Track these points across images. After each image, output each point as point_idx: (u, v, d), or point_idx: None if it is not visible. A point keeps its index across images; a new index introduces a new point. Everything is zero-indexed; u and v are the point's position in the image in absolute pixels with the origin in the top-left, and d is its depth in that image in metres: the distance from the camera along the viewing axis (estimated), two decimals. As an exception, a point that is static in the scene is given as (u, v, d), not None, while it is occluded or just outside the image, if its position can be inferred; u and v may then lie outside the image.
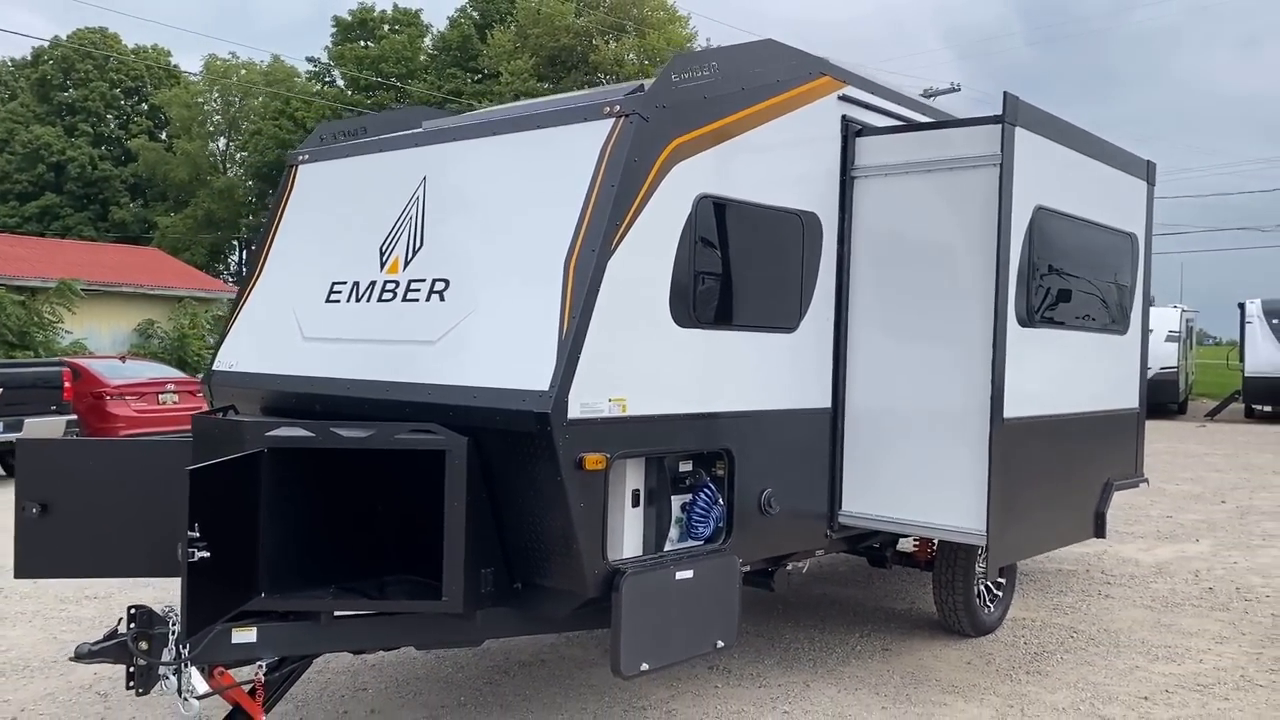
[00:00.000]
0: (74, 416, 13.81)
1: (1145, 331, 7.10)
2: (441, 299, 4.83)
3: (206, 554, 3.81)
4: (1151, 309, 25.66)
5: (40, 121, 55.15)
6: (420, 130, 5.64)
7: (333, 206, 5.76)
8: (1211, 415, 28.18)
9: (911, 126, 5.88)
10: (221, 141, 58.96)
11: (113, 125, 58.30)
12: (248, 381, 5.53)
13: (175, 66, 59.52)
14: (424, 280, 4.95)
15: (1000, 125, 5.24)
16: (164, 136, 58.40)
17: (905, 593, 8.06)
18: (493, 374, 4.45)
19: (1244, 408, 28.20)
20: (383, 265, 5.19)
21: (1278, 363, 26.65)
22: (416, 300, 4.93)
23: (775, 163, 5.31)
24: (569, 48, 46.87)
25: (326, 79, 55.45)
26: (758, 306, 5.25)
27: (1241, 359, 27.56)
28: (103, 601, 7.63)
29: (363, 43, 54.03)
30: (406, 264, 5.07)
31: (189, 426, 15.11)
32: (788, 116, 5.33)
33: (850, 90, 5.73)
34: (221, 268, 57.79)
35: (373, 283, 5.19)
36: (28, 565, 4.72)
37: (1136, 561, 9.39)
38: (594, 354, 4.33)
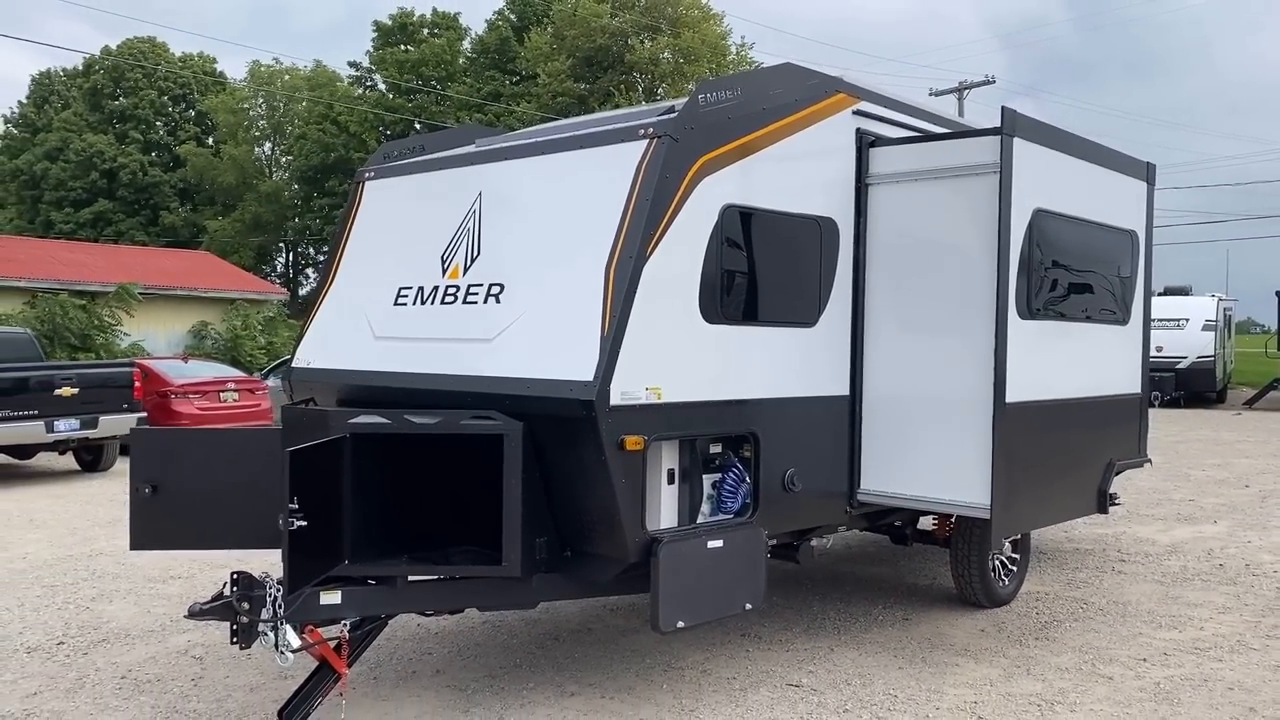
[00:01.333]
0: (144, 414, 14.62)
1: (1147, 321, 7.56)
2: (497, 301, 5.45)
3: (304, 523, 4.46)
4: (1188, 298, 25.78)
5: (93, 130, 56.75)
6: (475, 150, 6.26)
7: (397, 219, 6.40)
8: (1250, 404, 28.25)
9: (920, 137, 6.41)
10: (267, 146, 60.30)
11: (162, 132, 59.79)
12: (325, 377, 6.19)
13: (220, 73, 60.89)
14: (481, 285, 5.57)
15: (999, 136, 5.76)
16: (211, 142, 59.84)
17: (927, 570, 8.59)
18: (543, 367, 5.06)
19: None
20: (444, 272, 5.81)
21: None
22: (475, 303, 5.55)
23: (794, 173, 5.87)
24: (605, 48, 47.46)
25: (368, 83, 56.48)
26: (780, 304, 5.82)
27: (1279, 347, 27.64)
28: (186, 581, 8.35)
29: (403, 47, 55.01)
30: (466, 270, 5.69)
31: (251, 423, 15.89)
32: (806, 131, 5.89)
33: (864, 105, 6.28)
34: (268, 269, 59.07)
35: (435, 287, 5.82)
36: (141, 538, 5.41)
37: (1153, 541, 9.83)
38: (632, 348, 4.92)
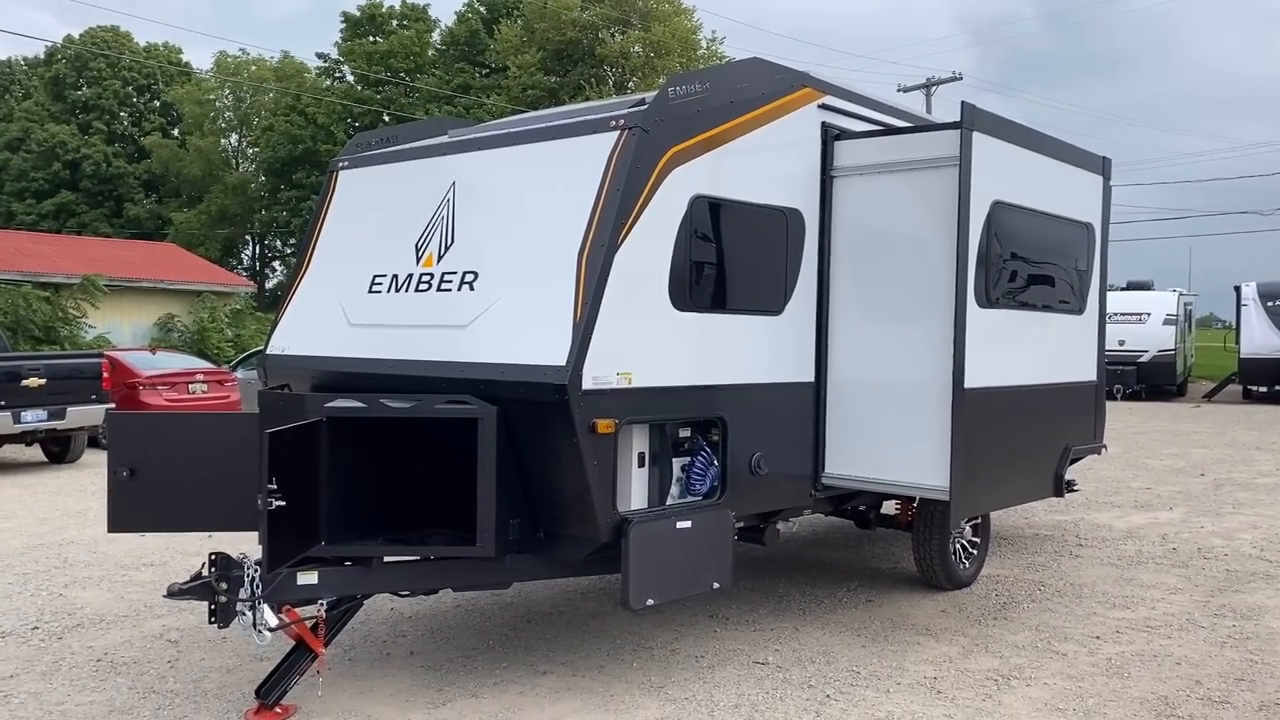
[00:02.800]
0: (112, 405, 14.58)
1: (1103, 311, 7.79)
2: (471, 289, 5.57)
3: (282, 504, 4.56)
4: (1150, 293, 26.17)
5: (55, 120, 56.05)
6: (448, 140, 6.36)
7: (371, 208, 6.50)
8: (1209, 396, 28.82)
9: (883, 131, 6.59)
10: (233, 138, 59.82)
11: (126, 123, 59.16)
12: (300, 363, 6.28)
13: (186, 64, 60.32)
14: (455, 273, 5.69)
15: (959, 130, 5.94)
16: (176, 133, 59.27)
17: (890, 554, 8.79)
18: (517, 352, 5.19)
19: (1241, 389, 28.84)
20: (418, 259, 5.92)
21: (1272, 344, 27.29)
22: (449, 290, 5.67)
23: (761, 165, 6.03)
24: (575, 41, 47.48)
25: (336, 75, 56.15)
26: (747, 292, 5.98)
27: (1238, 341, 28.20)
28: (159, 568, 8.40)
29: (371, 38, 54.73)
30: (440, 258, 5.81)
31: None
32: (772, 124, 6.04)
33: (829, 99, 6.45)
34: (235, 262, 58.64)
35: (410, 275, 5.92)
36: (119, 521, 5.49)
37: (1110, 527, 10.10)
38: (603, 334, 5.06)
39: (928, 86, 35.59)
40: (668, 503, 5.60)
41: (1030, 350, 6.83)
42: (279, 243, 59.81)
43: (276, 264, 61.68)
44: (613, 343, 5.11)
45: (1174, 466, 14.49)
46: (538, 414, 5.09)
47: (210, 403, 16.73)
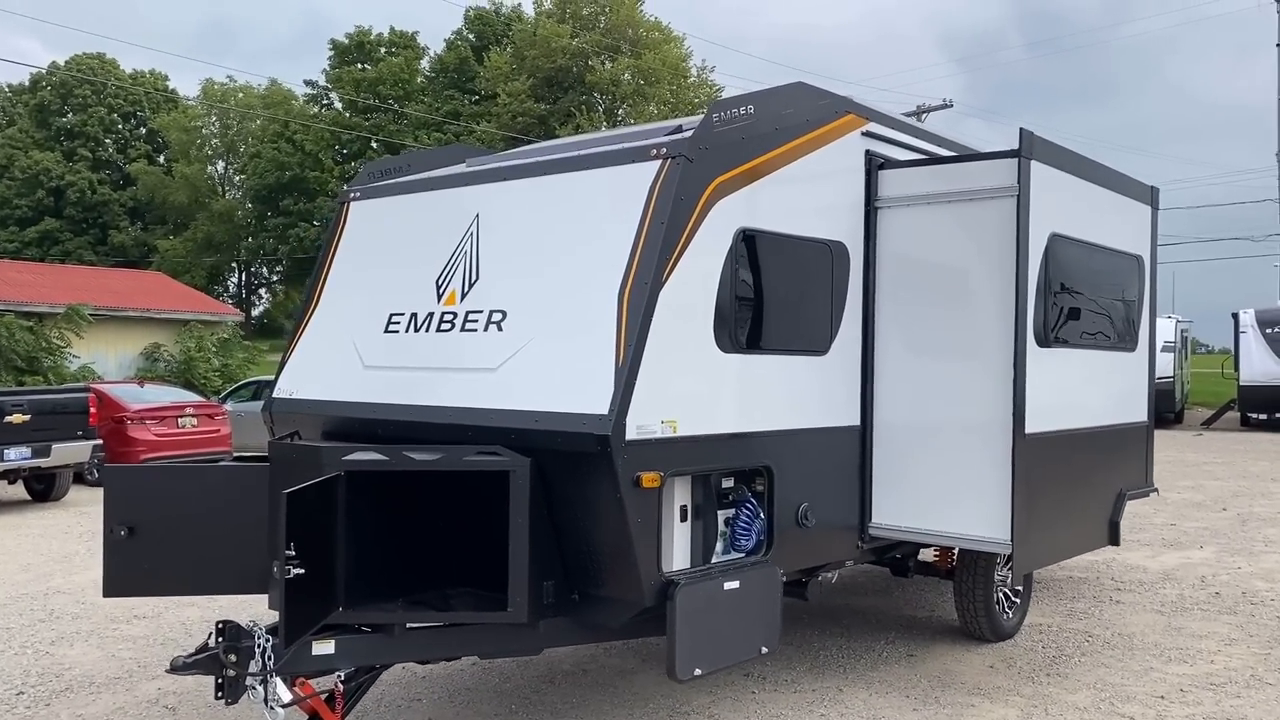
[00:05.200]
0: (99, 441, 14.08)
1: (1153, 347, 7.45)
2: (500, 329, 5.16)
3: (301, 571, 4.13)
4: (1148, 320, 25.72)
5: (39, 147, 55.58)
6: (470, 170, 5.97)
7: (385, 241, 6.09)
8: (1208, 424, 28.57)
9: (931, 160, 6.24)
10: (220, 165, 59.42)
11: (111, 150, 58.75)
12: (310, 408, 5.85)
13: (172, 91, 59.93)
14: (481, 311, 5.28)
15: (1017, 159, 5.59)
16: (162, 160, 58.86)
17: (923, 600, 8.38)
18: (553, 399, 4.78)
19: (1239, 416, 28.61)
20: (439, 297, 5.51)
21: (1272, 372, 27.11)
22: (475, 330, 5.26)
23: (805, 196, 5.66)
24: (565, 69, 47.39)
25: (324, 101, 55.89)
26: (792, 331, 5.59)
27: (1236, 368, 28.00)
28: (151, 621, 7.92)
29: (360, 65, 54.53)
30: (463, 296, 5.40)
31: (207, 450, 15.42)
32: (816, 153, 5.68)
33: (872, 126, 6.09)
34: (221, 290, 58.09)
35: (430, 314, 5.51)
36: (116, 584, 5.02)
37: (1144, 568, 9.71)
38: (647, 379, 4.66)
39: (918, 114, 35.48)
40: (713, 560, 5.18)
41: (1087, 391, 6.46)
42: (265, 270, 59.34)
43: (263, 292, 61.19)
44: (657, 388, 4.71)
45: (1193, 500, 14.14)
46: (576, 467, 4.68)
47: (200, 437, 16.24)
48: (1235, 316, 28.47)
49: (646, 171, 4.95)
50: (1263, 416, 27.95)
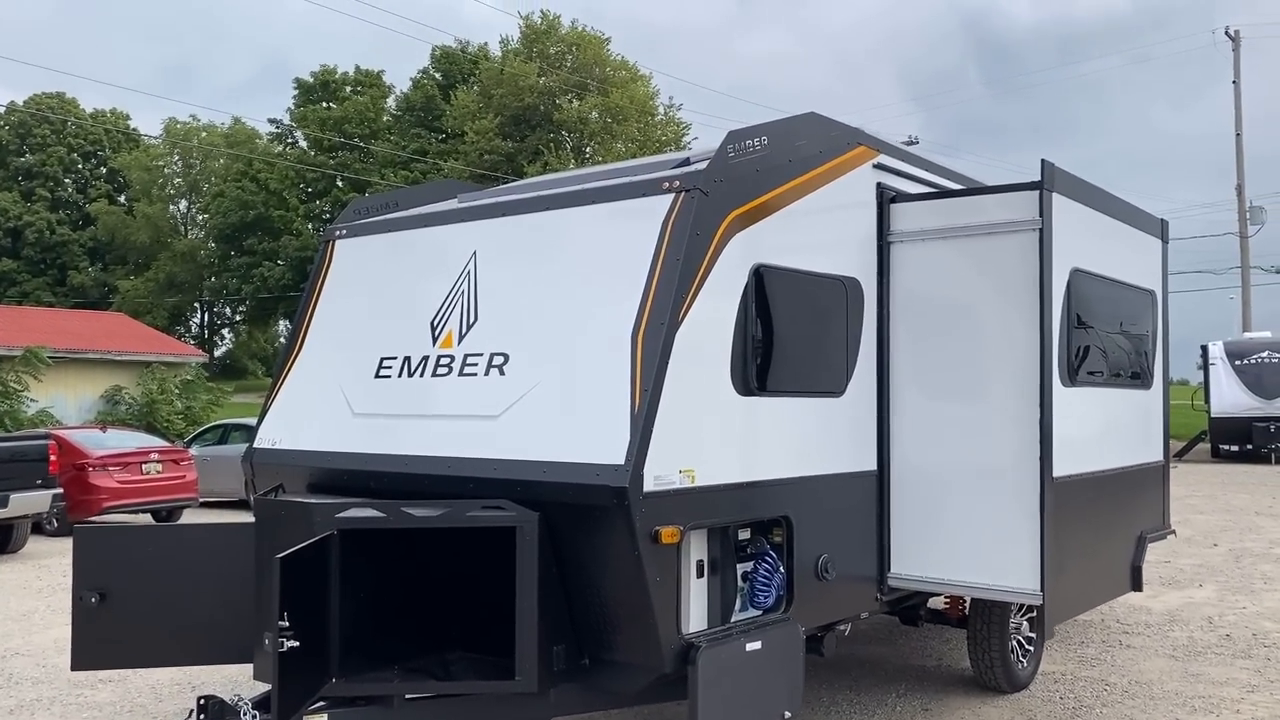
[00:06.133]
0: (59, 490, 13.52)
1: (1167, 384, 7.25)
2: (501, 373, 4.84)
3: (295, 643, 3.76)
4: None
5: (-4, 187, 54.68)
6: (466, 205, 5.67)
7: (375, 281, 5.76)
8: (1179, 456, 28.63)
9: (946, 193, 6.02)
10: (183, 204, 58.72)
11: (71, 189, 57.93)
12: (294, 459, 5.48)
13: (134, 130, 59.27)
14: (481, 354, 4.96)
15: (1038, 191, 5.38)
16: (123, 200, 58.06)
17: (930, 648, 8.07)
18: (563, 448, 4.46)
19: (1210, 448, 28.72)
20: (435, 340, 5.19)
21: (1242, 403, 27.29)
22: (474, 375, 4.93)
23: (819, 231, 5.41)
24: (533, 107, 47.32)
25: (289, 140, 55.45)
26: (809, 372, 5.31)
27: (1206, 400, 28.13)
28: (118, 685, 7.44)
29: (325, 104, 54.21)
30: (461, 338, 5.08)
31: (173, 497, 14.80)
32: (829, 186, 5.44)
33: (883, 158, 5.87)
34: (184, 330, 57.18)
35: (425, 357, 5.18)
36: (86, 656, 4.62)
37: (1148, 609, 9.47)
38: (665, 426, 4.35)
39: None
40: (732, 619, 4.85)
41: (1109, 431, 6.23)
42: (229, 310, 58.52)
43: (226, 332, 60.35)
44: (675, 435, 4.40)
45: (1181, 535, 13.92)
46: (589, 521, 4.35)
47: (166, 483, 15.68)
48: (1204, 349, 28.67)
49: (659, 205, 4.67)
50: (1234, 448, 28.08)
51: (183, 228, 58.05)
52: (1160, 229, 7.14)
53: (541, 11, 49.03)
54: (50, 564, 12.95)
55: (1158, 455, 7.09)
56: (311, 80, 54.63)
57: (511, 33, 50.78)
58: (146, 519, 15.93)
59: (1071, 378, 5.67)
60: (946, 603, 7.23)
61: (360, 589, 4.54)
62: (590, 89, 47.66)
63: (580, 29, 48.96)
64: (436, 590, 4.78)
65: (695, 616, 4.67)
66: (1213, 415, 27.69)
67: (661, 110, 49.89)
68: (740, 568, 4.97)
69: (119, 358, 29.60)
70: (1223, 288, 52.05)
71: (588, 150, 47.84)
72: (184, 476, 16.07)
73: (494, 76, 48.41)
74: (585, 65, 48.12)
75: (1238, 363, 28.01)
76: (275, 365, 6.05)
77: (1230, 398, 27.62)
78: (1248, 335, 32.14)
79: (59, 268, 54.87)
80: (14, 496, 12.86)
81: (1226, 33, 39.20)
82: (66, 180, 57.81)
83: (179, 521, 16.35)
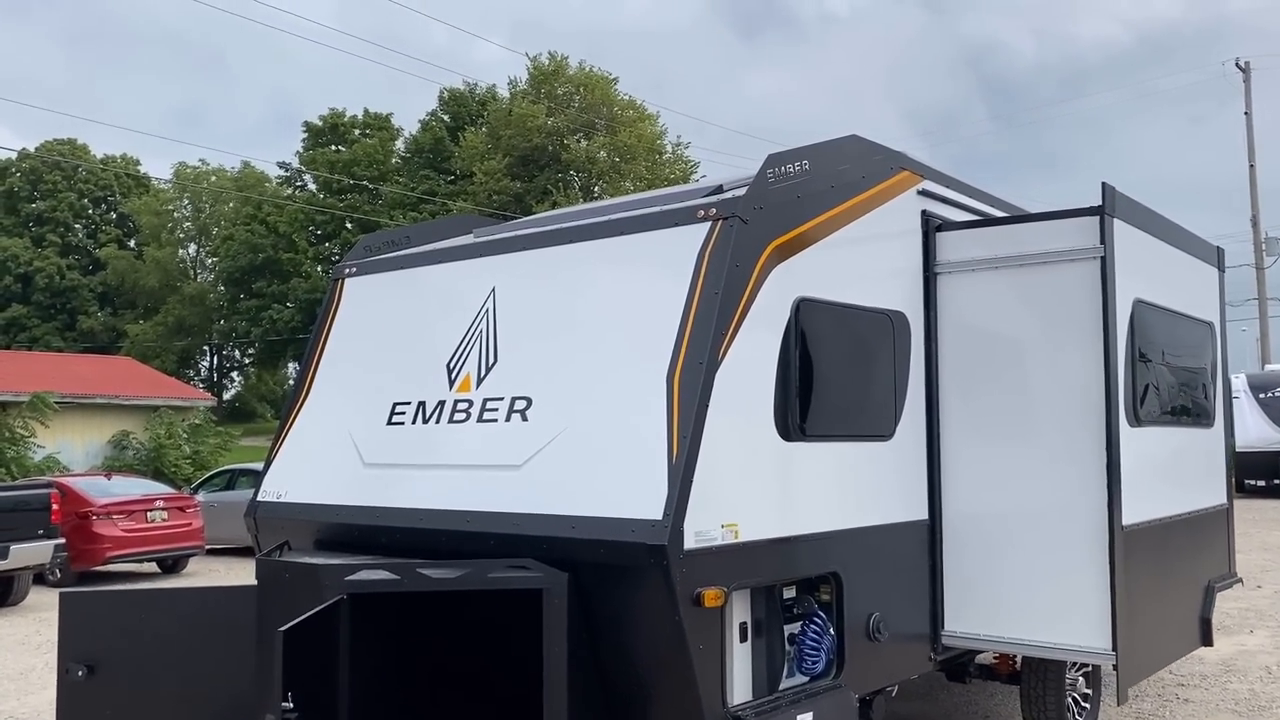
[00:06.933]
0: (62, 540, 13.12)
1: (1229, 421, 6.83)
2: (524, 418, 4.46)
3: (299, 725, 3.35)
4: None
5: (7, 233, 54.77)
6: (483, 240, 5.31)
7: (387, 322, 5.40)
8: (1205, 492, 28.03)
9: (996, 220, 5.66)
10: (192, 248, 58.75)
11: (81, 235, 58.02)
12: (300, 513, 5.09)
13: (145, 175, 59.42)
14: (501, 399, 4.58)
15: (1099, 216, 5.00)
16: (133, 244, 58.12)
17: (977, 706, 7.59)
18: (593, 501, 4.06)
19: (1236, 482, 28.13)
20: (452, 383, 4.81)
21: (1268, 437, 26.75)
22: (494, 420, 4.55)
23: (864, 262, 5.04)
24: (541, 147, 47.26)
25: (298, 183, 55.53)
26: (857, 414, 4.92)
27: (1230, 434, 27.62)
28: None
29: (334, 147, 54.31)
30: (480, 381, 4.70)
31: (178, 545, 14.32)
32: (873, 214, 5.07)
33: (928, 184, 5.51)
34: (192, 374, 56.98)
35: (441, 402, 4.81)
36: (71, 736, 4.20)
37: (1200, 658, 8.96)
38: (705, 476, 3.96)
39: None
40: (780, 688, 4.42)
41: (1176, 473, 5.81)
42: (238, 353, 58.36)
43: (235, 375, 60.15)
44: (716, 487, 4.01)
45: (1222, 577, 13.44)
46: (624, 583, 3.95)
47: (171, 532, 15.27)
48: (1226, 381, 28.19)
49: (694, 235, 4.31)
50: (1260, 483, 27.50)
51: (192, 271, 58.01)
52: (1217, 257, 6.75)
53: (549, 52, 49.14)
54: (51, 617, 12.48)
55: (1221, 498, 6.65)
56: (320, 123, 54.74)
57: (519, 74, 50.86)
58: (151, 567, 15.53)
59: (1137, 417, 5.26)
60: (996, 657, 6.77)
61: (372, 658, 4.14)
62: (598, 129, 47.64)
63: (588, 69, 49.02)
64: (455, 658, 4.37)
65: (740, 686, 4.25)
66: (1238, 450, 27.13)
67: (669, 149, 49.82)
68: (787, 629, 4.55)
69: (126, 402, 29.29)
70: (1234, 320, 51.54)
71: (596, 189, 47.73)
72: (190, 524, 15.67)
73: (502, 117, 48.43)
74: (593, 105, 48.13)
75: (1261, 396, 27.52)
76: (281, 411, 5.67)
77: (1255, 431, 27.08)
78: (1269, 368, 31.66)
79: (69, 313, 54.81)
80: (15, 548, 12.46)
81: (1237, 64, 39.00)
82: (77, 226, 57.92)
83: (185, 570, 15.96)
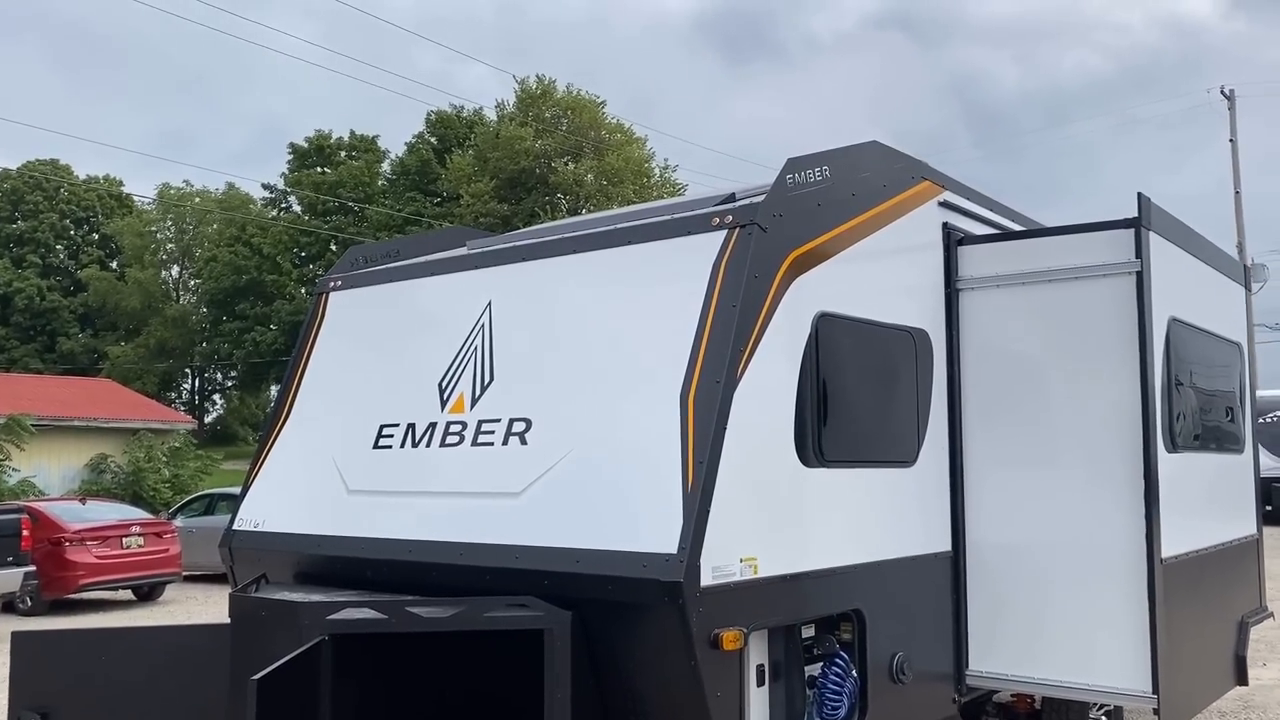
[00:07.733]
0: (32, 568, 12.66)
1: (1257, 447, 6.54)
2: (523, 442, 4.12)
3: (274, 787, 2.99)
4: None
5: (-14, 254, 54.14)
6: (477, 251, 4.98)
7: (374, 338, 5.06)
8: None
9: (1022, 234, 5.38)
10: (175, 269, 58.19)
11: (62, 255, 57.39)
12: (279, 543, 4.72)
13: (127, 196, 58.86)
14: (498, 420, 4.24)
15: (1135, 229, 4.71)
16: (115, 266, 57.50)
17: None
18: (598, 533, 3.72)
19: (1230, 510, 27.95)
20: (444, 404, 4.47)
21: (1262, 464, 26.59)
22: (490, 444, 4.21)
23: (885, 275, 4.74)
24: (528, 170, 47.06)
25: (283, 205, 55.15)
26: (879, 438, 4.60)
27: (1257, 460, 27.41)
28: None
29: (319, 168, 53.98)
30: (474, 402, 4.37)
31: (154, 572, 13.83)
32: (894, 225, 4.78)
33: (949, 196, 5.22)
34: (174, 396, 56.31)
35: (432, 424, 4.46)
36: (21, 791, 3.81)
37: (1217, 694, 8.64)
38: (723, 506, 3.63)
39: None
40: (801, 734, 4.07)
41: (1210, 503, 5.52)
42: (220, 375, 57.71)
43: (217, 397, 59.47)
44: (734, 518, 3.68)
45: (1226, 607, 13.14)
46: (634, 623, 3.61)
47: (147, 558, 14.80)
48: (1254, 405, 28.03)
49: (709, 244, 3.99)
50: (1266, 508, 27.34)
51: (174, 293, 57.43)
52: (1243, 275, 6.49)
53: (537, 75, 49.04)
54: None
55: (1251, 528, 6.35)
56: (306, 145, 54.40)
57: (507, 97, 50.73)
58: (127, 595, 15.06)
59: (1174, 442, 4.95)
60: (1014, 696, 6.43)
61: (356, 700, 3.77)
62: (586, 152, 47.51)
63: (575, 93, 48.92)
64: (448, 705, 4.00)
65: (757, 734, 3.90)
66: (1230, 476, 26.98)
67: (657, 172, 49.71)
68: (807, 670, 4.20)
69: (105, 425, 28.75)
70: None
71: (583, 212, 47.54)
72: (167, 550, 15.21)
73: (489, 140, 48.24)
74: (580, 128, 48.00)
75: (1259, 421, 27.39)
76: (260, 433, 5.31)
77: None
78: (1260, 394, 31.59)
79: (49, 334, 54.10)
80: (-18, 576, 12.01)
81: (1222, 92, 39.15)
82: (58, 246, 57.28)
83: (161, 598, 15.48)
